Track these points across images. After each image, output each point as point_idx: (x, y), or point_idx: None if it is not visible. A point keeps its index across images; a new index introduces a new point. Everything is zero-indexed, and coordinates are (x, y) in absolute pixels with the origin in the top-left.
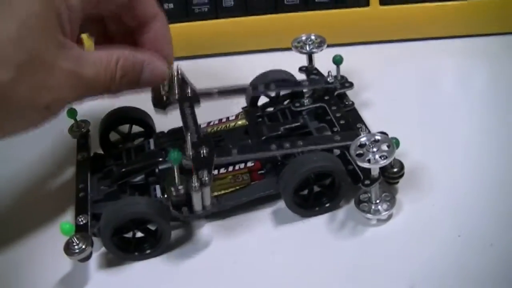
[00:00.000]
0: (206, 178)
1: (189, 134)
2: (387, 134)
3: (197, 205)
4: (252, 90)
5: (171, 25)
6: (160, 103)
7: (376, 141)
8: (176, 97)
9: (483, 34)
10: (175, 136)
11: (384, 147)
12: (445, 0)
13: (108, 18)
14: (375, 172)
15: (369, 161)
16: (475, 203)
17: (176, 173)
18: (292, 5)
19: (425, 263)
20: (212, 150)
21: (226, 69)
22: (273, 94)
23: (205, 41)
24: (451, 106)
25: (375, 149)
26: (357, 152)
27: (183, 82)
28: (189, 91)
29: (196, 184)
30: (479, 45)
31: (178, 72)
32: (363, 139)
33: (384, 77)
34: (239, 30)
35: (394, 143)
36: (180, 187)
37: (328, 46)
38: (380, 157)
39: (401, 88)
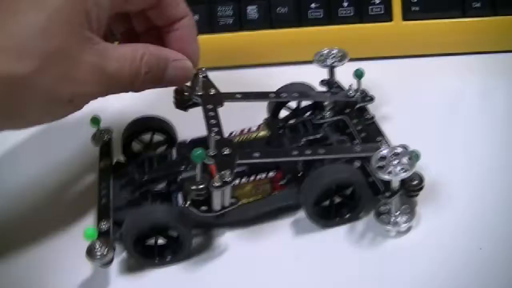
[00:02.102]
0: (229, 178)
1: (212, 132)
2: (407, 147)
3: (216, 204)
4: (275, 96)
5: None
6: (182, 103)
7: (397, 154)
8: (199, 94)
9: (507, 50)
10: (197, 146)
11: (405, 160)
12: (468, 16)
13: (135, 17)
14: (395, 184)
15: (389, 173)
16: (495, 218)
17: (198, 170)
18: (316, 19)
19: (445, 275)
20: (235, 150)
21: (248, 81)
22: (294, 104)
23: (229, 53)
24: (472, 122)
25: (395, 162)
26: (378, 165)
27: (207, 82)
28: (213, 91)
29: (217, 183)
30: (503, 61)
31: (202, 72)
32: (384, 151)
33: (405, 91)
34: (263, 42)
35: (414, 156)
36: (201, 184)
37: (350, 60)
38: (400, 169)
39: (422, 103)
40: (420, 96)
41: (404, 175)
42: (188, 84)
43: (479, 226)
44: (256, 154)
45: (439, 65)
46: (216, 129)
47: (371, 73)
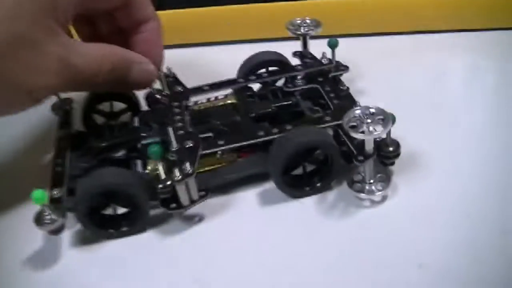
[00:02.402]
0: (189, 169)
1: (171, 128)
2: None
3: (184, 199)
4: (244, 81)
5: (169, 11)
6: (152, 103)
7: (371, 113)
8: (166, 93)
9: (490, 28)
10: (161, 113)
11: (380, 120)
12: None
13: (100, 18)
14: (369, 146)
15: (362, 132)
16: (473, 190)
17: (160, 168)
18: None
19: (420, 247)
20: (198, 142)
21: (218, 58)
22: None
23: (204, 29)
24: (453, 97)
25: (369, 120)
26: (351, 124)
27: (174, 81)
28: (180, 88)
29: (178, 175)
30: (486, 39)
31: (169, 72)
32: (357, 111)
33: (383, 69)
34: (239, 18)
35: (390, 116)
36: (166, 181)
37: (334, 36)
38: (374, 129)
39: (401, 79)
40: (400, 73)
41: (378, 133)
42: (158, 86)
43: (456, 197)
44: (221, 142)
45: (419, 43)
46: (180, 124)
47: (347, 51)
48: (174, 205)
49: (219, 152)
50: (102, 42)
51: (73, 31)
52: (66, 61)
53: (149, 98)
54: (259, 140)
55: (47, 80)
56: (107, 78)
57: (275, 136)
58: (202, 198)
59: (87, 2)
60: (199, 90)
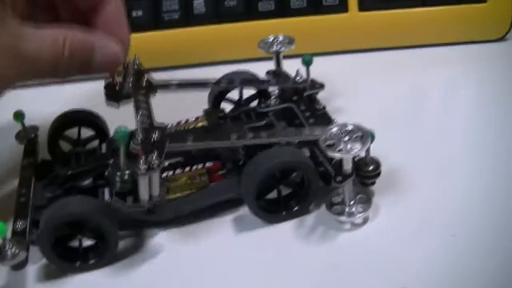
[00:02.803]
0: (155, 162)
1: (139, 116)
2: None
3: (143, 193)
4: (214, 84)
5: (140, 34)
6: (113, 95)
7: (348, 131)
8: (130, 85)
9: (469, 41)
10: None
11: (358, 137)
12: (428, 5)
13: (57, 2)
14: (347, 166)
15: (340, 151)
16: (455, 209)
17: (122, 155)
18: (267, 12)
19: (403, 269)
20: (164, 134)
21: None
22: (237, 96)
23: (175, 51)
24: (433, 112)
25: (347, 138)
26: (327, 143)
27: (140, 71)
28: (145, 80)
29: (143, 167)
30: (464, 53)
31: (134, 60)
32: (334, 129)
33: (363, 86)
34: (212, 38)
35: (368, 134)
36: (125, 170)
37: (301, 55)
38: (352, 147)
39: (380, 96)
40: (377, 90)
41: (356, 151)
42: (120, 75)
43: (438, 218)
44: (190, 139)
45: (398, 59)
46: (145, 118)
47: (326, 68)
48: (131, 198)
49: (189, 179)
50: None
51: None
52: (18, 49)
53: (109, 87)
54: (232, 144)
55: (0, 72)
56: (68, 64)
57: (249, 142)
58: (162, 196)
59: None
60: (165, 84)
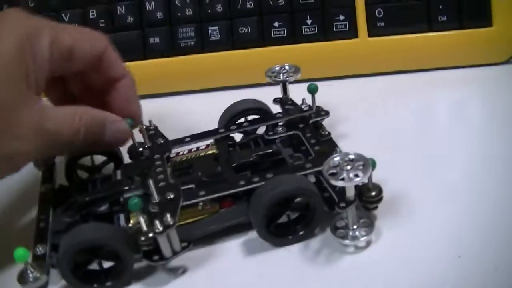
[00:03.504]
0: (170, 221)
1: (152, 180)
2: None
3: (166, 250)
4: (225, 131)
5: (157, 60)
6: (134, 154)
7: (351, 160)
8: (148, 146)
9: (475, 65)
10: (143, 165)
11: (360, 166)
12: (435, 30)
13: (72, 78)
14: (350, 193)
15: (343, 179)
16: (457, 231)
17: (141, 220)
18: (279, 37)
19: None
20: (179, 194)
21: (212, 104)
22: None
23: (191, 76)
24: (435, 137)
25: (349, 167)
26: (331, 172)
27: (155, 133)
28: (161, 140)
29: (160, 227)
30: (471, 76)
31: (151, 125)
32: (336, 158)
33: (365, 111)
34: (225, 64)
35: (370, 162)
36: (148, 233)
37: (317, 79)
38: (354, 175)
39: (384, 121)
40: (381, 115)
41: (358, 180)
42: (140, 141)
43: (441, 240)
44: (202, 193)
45: (406, 82)
46: (161, 176)
47: (334, 93)
48: (156, 257)
49: (201, 204)
50: (74, 102)
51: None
52: (40, 126)
53: (131, 151)
54: (240, 189)
55: (23, 146)
56: (83, 140)
57: (256, 185)
58: (184, 249)
59: (58, 66)
60: (180, 141)
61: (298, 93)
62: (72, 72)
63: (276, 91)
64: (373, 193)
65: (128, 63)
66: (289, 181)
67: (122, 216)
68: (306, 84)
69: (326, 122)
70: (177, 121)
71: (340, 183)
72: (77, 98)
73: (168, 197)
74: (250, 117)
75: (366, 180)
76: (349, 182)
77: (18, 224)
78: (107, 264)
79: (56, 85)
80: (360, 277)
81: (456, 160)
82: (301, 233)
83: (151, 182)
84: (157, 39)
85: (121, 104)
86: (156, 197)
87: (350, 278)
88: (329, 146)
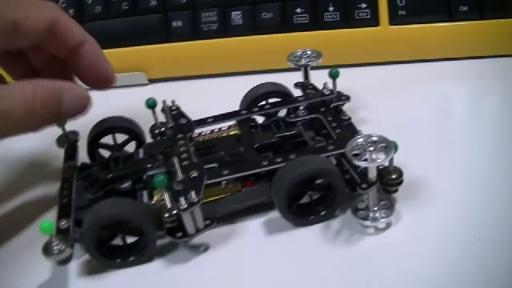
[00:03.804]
0: (195, 198)
1: (176, 158)
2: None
3: (189, 227)
4: (246, 113)
5: (179, 44)
6: (157, 134)
7: (373, 141)
8: (170, 126)
9: (494, 55)
10: (166, 144)
11: (382, 148)
12: (455, 20)
13: (31, 52)
14: (372, 174)
15: (365, 160)
16: (475, 216)
17: (166, 197)
18: (301, 23)
19: (425, 273)
20: (202, 172)
21: (233, 89)
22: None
23: (212, 60)
24: (457, 126)
25: (371, 148)
26: (354, 152)
27: (178, 113)
28: (184, 121)
29: (184, 204)
30: (490, 66)
31: (172, 104)
32: (359, 139)
33: (390, 97)
34: (247, 49)
35: (392, 144)
36: (172, 210)
37: (337, 66)
38: (376, 157)
39: (403, 108)
40: (401, 102)
41: (380, 161)
42: (162, 120)
43: (459, 223)
44: (225, 172)
45: (426, 72)
46: (185, 155)
47: (354, 80)
48: (180, 234)
49: (224, 182)
50: (39, 76)
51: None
52: None
53: (153, 130)
54: (263, 169)
55: None
56: (41, 114)
57: (279, 166)
58: (207, 226)
59: (6, 41)
60: (203, 121)
61: (318, 79)
62: (24, 45)
63: (296, 77)
64: (394, 176)
65: (150, 46)
66: (312, 161)
67: (145, 193)
68: (325, 71)
69: (345, 107)
70: (197, 103)
71: (363, 164)
72: (41, 71)
73: (192, 176)
74: (271, 100)
75: (387, 163)
76: (371, 163)
77: (41, 199)
78: (130, 240)
79: (16, 60)
80: (379, 258)
81: (475, 147)
82: (322, 213)
83: (176, 160)
84: (179, 23)
85: (89, 70)
86: (180, 175)
87: (369, 258)
88: (350, 130)
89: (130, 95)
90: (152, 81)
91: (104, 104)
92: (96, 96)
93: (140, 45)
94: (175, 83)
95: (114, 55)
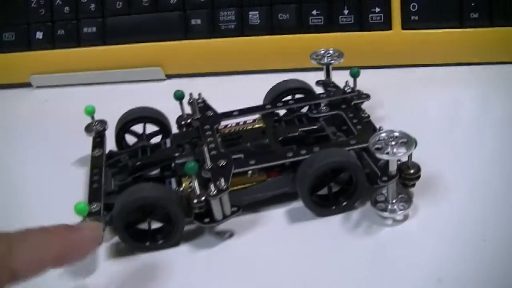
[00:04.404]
0: (224, 185)
1: (206, 147)
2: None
3: (217, 213)
4: (271, 107)
5: (197, 41)
6: (183, 125)
7: (395, 136)
8: (197, 118)
9: (504, 62)
10: (192, 134)
11: (403, 142)
12: (466, 27)
13: None
14: (392, 167)
15: (387, 153)
16: (491, 211)
17: (196, 184)
18: (316, 25)
19: (440, 264)
20: (231, 161)
21: (248, 87)
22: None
23: (230, 58)
24: (469, 128)
25: (393, 143)
26: (376, 146)
27: (205, 106)
28: (210, 113)
29: (214, 191)
30: (499, 73)
31: (199, 97)
32: (382, 134)
33: (403, 100)
34: (264, 48)
35: (412, 140)
36: (201, 196)
37: (350, 68)
38: (398, 151)
39: (419, 111)
40: (418, 105)
41: (401, 154)
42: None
43: (475, 218)
44: (252, 162)
45: (437, 75)
46: (212, 145)
47: (369, 82)
48: (207, 219)
49: (250, 172)
50: None
51: None
52: None
53: (180, 121)
54: (288, 160)
55: None
56: None
57: (303, 157)
58: (234, 213)
59: None
60: (228, 114)
61: (337, 79)
62: None
63: (308, 77)
64: (412, 171)
65: (169, 42)
66: (339, 153)
67: (173, 180)
68: (340, 72)
69: (364, 106)
70: (212, 99)
71: (384, 157)
72: None
73: (221, 164)
74: (294, 96)
75: (407, 157)
76: (393, 156)
77: (71, 186)
78: (156, 225)
79: None
80: (396, 248)
81: (487, 148)
82: (343, 204)
83: (205, 149)
84: (198, 21)
85: None
86: (209, 164)
87: (387, 248)
88: (370, 126)
89: (148, 89)
90: (169, 76)
91: (122, 98)
92: (114, 89)
93: (158, 41)
94: (191, 79)
95: (133, 50)
